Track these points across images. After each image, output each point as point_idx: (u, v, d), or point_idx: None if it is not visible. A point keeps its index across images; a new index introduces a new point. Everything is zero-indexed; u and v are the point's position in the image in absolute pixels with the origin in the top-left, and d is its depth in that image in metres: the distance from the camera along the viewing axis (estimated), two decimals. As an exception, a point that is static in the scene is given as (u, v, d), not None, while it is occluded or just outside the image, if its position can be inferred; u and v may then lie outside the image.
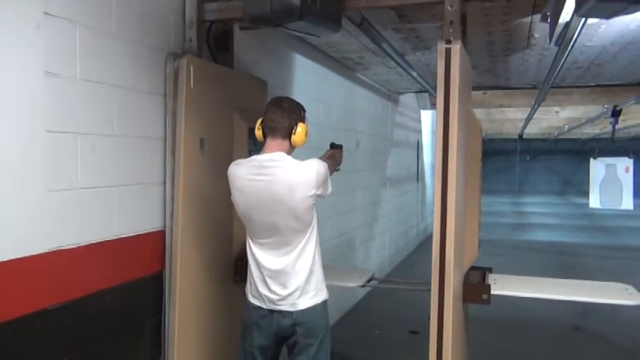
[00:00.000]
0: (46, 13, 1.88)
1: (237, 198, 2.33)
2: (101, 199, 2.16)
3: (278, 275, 2.29)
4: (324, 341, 2.35)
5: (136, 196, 2.35)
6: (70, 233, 2.00)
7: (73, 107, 2.01)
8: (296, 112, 2.30)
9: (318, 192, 2.24)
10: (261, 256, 2.32)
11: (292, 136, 2.27)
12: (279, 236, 2.27)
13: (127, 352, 2.34)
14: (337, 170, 2.69)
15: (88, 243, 2.08)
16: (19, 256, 1.79)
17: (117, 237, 2.24)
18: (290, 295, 2.28)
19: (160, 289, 2.51)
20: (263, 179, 2.22)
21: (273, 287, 2.29)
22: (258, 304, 2.34)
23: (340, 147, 2.75)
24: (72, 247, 2.01)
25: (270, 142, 2.28)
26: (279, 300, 2.29)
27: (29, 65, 1.83)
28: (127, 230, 2.30)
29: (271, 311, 2.32)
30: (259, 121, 2.34)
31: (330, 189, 2.34)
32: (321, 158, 2.47)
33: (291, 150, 2.31)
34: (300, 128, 2.28)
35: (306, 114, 2.36)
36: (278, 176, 2.21)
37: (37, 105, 1.86)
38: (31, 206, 1.85)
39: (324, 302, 2.36)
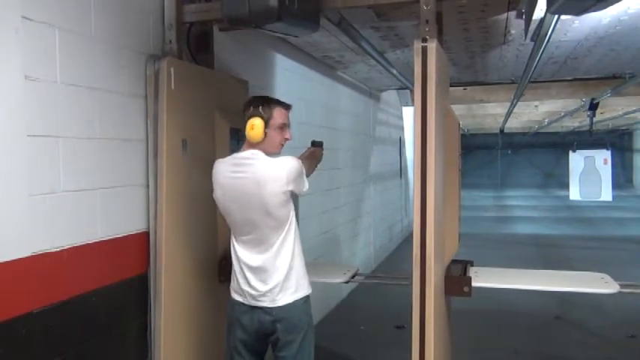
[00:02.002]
0: (24, 17, 1.88)
1: (219, 195, 2.38)
2: (84, 202, 2.16)
3: (258, 272, 2.34)
4: (306, 337, 2.37)
5: (119, 199, 2.36)
6: (54, 236, 2.01)
7: (54, 111, 2.02)
8: (247, 110, 2.33)
9: (290, 188, 2.27)
10: (242, 252, 2.37)
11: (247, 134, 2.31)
12: (257, 233, 2.32)
13: (113, 353, 2.35)
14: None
15: (71, 246, 2.09)
16: (2, 261, 1.79)
17: (101, 239, 2.25)
18: (269, 291, 2.32)
19: (145, 289, 2.52)
20: (239, 176, 2.29)
21: (254, 283, 2.34)
22: (241, 300, 2.39)
23: (321, 144, 2.77)
24: (55, 250, 2.01)
25: (246, 143, 2.37)
26: (259, 296, 2.33)
27: (8, 70, 1.83)
28: (111, 232, 2.31)
29: (252, 307, 2.36)
30: None
31: (306, 186, 2.37)
32: (300, 156, 2.52)
33: (261, 147, 2.31)
34: (248, 125, 2.29)
35: (265, 110, 2.31)
36: (251, 173, 2.27)
37: (17, 109, 1.86)
38: (14, 211, 1.85)
39: (306, 298, 2.40)
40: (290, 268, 2.34)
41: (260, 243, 2.33)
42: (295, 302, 2.34)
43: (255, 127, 2.28)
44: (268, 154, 2.32)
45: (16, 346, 1.86)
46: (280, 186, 2.25)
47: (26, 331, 1.90)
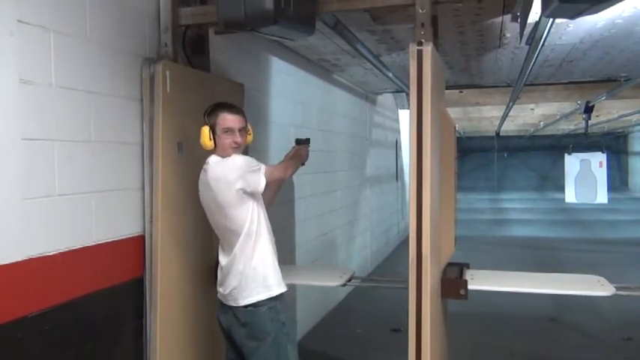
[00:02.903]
0: (19, 20, 1.88)
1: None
2: (79, 206, 2.16)
3: (223, 273, 2.48)
4: (274, 345, 2.37)
5: (114, 202, 2.36)
6: (49, 240, 2.00)
7: (49, 114, 2.01)
8: (204, 118, 2.44)
9: (238, 186, 2.32)
10: (219, 252, 2.52)
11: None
12: (221, 235, 2.48)
13: (108, 357, 2.34)
14: (302, 165, 2.73)
15: (66, 250, 2.08)
16: (-3, 265, 1.79)
17: (96, 243, 2.24)
18: (229, 293, 2.43)
19: (141, 293, 2.51)
20: (201, 181, 2.45)
21: (219, 283, 2.50)
22: (220, 298, 2.52)
23: (307, 141, 2.74)
24: (50, 254, 2.01)
25: None
26: (224, 296, 2.47)
27: (3, 73, 1.83)
28: (107, 236, 2.30)
29: (223, 305, 2.50)
30: None
31: (260, 183, 2.36)
32: (285, 157, 2.65)
33: (217, 153, 2.41)
34: (200, 133, 2.40)
35: (210, 117, 2.41)
36: (206, 177, 2.40)
37: (12, 113, 1.86)
38: (8, 214, 1.85)
39: (271, 304, 2.39)
40: (246, 273, 2.38)
41: (226, 245, 2.46)
42: (258, 306, 2.37)
43: (202, 135, 2.40)
44: (224, 158, 2.40)
45: (11, 350, 1.85)
46: (227, 185, 2.33)
47: (22, 335, 1.89)
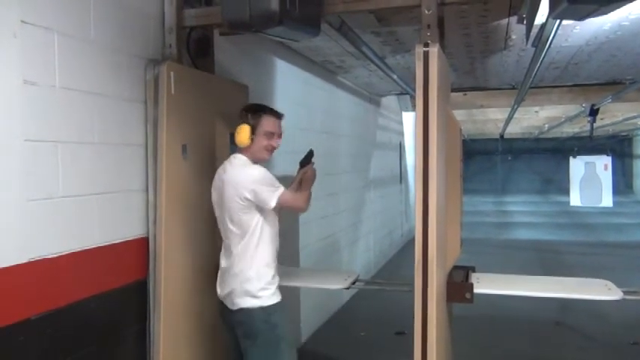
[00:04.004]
0: (23, 21, 1.87)
1: (212, 197, 2.54)
2: (82, 208, 2.14)
3: (222, 274, 2.51)
4: (267, 347, 2.39)
5: (117, 204, 2.34)
6: (51, 242, 1.99)
7: (53, 115, 2.00)
8: (241, 117, 2.48)
9: (247, 195, 2.35)
10: (221, 254, 2.54)
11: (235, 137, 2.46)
12: (226, 237, 2.48)
13: (111, 360, 2.33)
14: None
15: (69, 252, 2.07)
16: (-1, 267, 1.78)
17: (99, 245, 2.23)
18: (227, 295, 2.46)
19: (145, 296, 2.49)
20: (219, 178, 2.47)
21: (219, 285, 2.52)
22: (221, 299, 2.54)
23: (310, 157, 2.67)
24: (53, 256, 1.99)
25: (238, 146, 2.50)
26: (222, 297, 2.50)
27: (7, 74, 1.82)
28: (110, 238, 2.29)
29: (223, 305, 2.52)
30: None
31: (270, 202, 2.36)
32: (293, 181, 2.64)
33: (246, 152, 2.45)
34: (239, 129, 2.44)
35: (254, 117, 2.45)
36: (224, 176, 2.44)
37: (15, 114, 1.85)
38: (11, 216, 1.83)
39: (268, 308, 2.41)
40: (247, 277, 2.40)
41: (227, 247, 2.48)
42: (252, 309, 2.39)
43: (241, 132, 2.43)
44: (256, 159, 2.46)
45: (13, 353, 1.83)
46: (237, 191, 2.36)
47: (24, 338, 1.87)
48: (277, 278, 2.49)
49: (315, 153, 2.73)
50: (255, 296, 2.40)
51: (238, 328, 2.45)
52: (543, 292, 2.81)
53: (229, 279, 2.44)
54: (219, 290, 2.52)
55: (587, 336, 4.82)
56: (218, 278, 2.53)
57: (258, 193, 2.36)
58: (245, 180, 2.36)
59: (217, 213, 2.51)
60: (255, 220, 2.40)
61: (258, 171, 2.40)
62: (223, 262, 2.50)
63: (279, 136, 2.51)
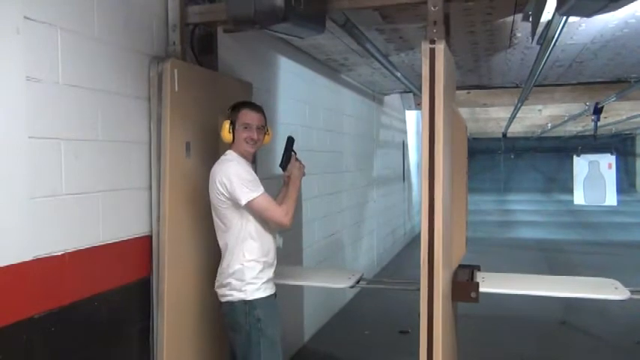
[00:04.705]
0: (26, 17, 1.85)
1: None
2: (86, 206, 2.13)
3: (218, 268, 2.55)
4: (248, 340, 2.43)
5: (121, 202, 2.33)
6: (55, 240, 1.98)
7: (56, 112, 1.98)
8: (226, 115, 2.56)
9: (221, 189, 2.41)
10: None
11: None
12: (215, 229, 2.54)
13: (115, 358, 2.31)
14: (303, 175, 2.65)
15: (73, 250, 2.06)
16: (2, 265, 1.76)
17: (103, 243, 2.21)
18: (217, 287, 2.52)
19: (148, 294, 2.48)
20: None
21: (216, 278, 2.56)
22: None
23: (290, 146, 2.60)
24: (57, 254, 1.98)
25: None
26: (215, 290, 2.54)
27: (10, 70, 1.80)
28: (113, 236, 2.28)
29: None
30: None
31: (241, 201, 2.38)
32: (279, 191, 2.64)
33: (236, 147, 2.51)
34: (222, 125, 2.53)
35: (232, 112, 2.53)
36: (211, 170, 2.50)
37: (18, 111, 1.83)
38: (14, 214, 1.82)
39: (250, 302, 2.43)
40: (232, 271, 2.45)
41: (220, 240, 2.54)
42: (234, 302, 2.45)
43: (222, 128, 2.52)
44: (240, 153, 2.51)
45: (16, 351, 1.82)
46: (215, 185, 2.43)
47: (27, 337, 1.86)
48: (268, 274, 2.50)
49: (295, 148, 2.62)
50: (238, 289, 2.44)
51: (224, 319, 2.53)
52: (550, 291, 2.79)
53: (219, 273, 2.52)
54: (215, 284, 2.57)
55: (593, 336, 4.80)
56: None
57: (229, 188, 2.40)
58: (221, 173, 2.42)
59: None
60: (238, 215, 2.44)
61: (235, 167, 2.43)
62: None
63: (259, 128, 2.52)
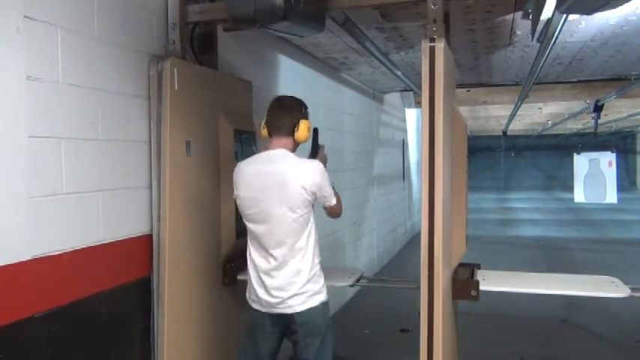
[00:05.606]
0: (26, 16, 1.85)
1: (243, 193, 2.33)
2: (86, 205, 2.13)
3: (268, 277, 2.30)
4: (328, 338, 2.38)
5: (121, 201, 2.33)
6: (55, 239, 1.98)
7: (56, 112, 1.99)
8: (297, 110, 2.39)
9: (313, 189, 2.27)
10: (255, 256, 2.34)
11: (295, 133, 2.35)
12: (275, 231, 2.28)
13: (115, 358, 2.31)
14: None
15: (73, 249, 2.06)
16: (2, 264, 1.76)
17: (103, 242, 2.21)
18: (283, 300, 2.28)
19: (148, 293, 2.48)
20: (269, 172, 2.28)
21: (266, 291, 2.31)
22: (257, 307, 2.36)
23: (316, 137, 2.58)
24: (57, 253, 1.98)
25: (276, 140, 2.35)
26: (271, 304, 2.30)
27: (10, 70, 1.81)
28: (113, 235, 2.28)
29: (263, 311, 2.35)
30: (264, 121, 2.40)
31: (332, 201, 2.37)
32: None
33: (294, 146, 2.39)
34: (302, 124, 2.36)
35: (308, 110, 2.44)
36: (282, 170, 2.27)
37: (18, 110, 1.83)
38: (14, 213, 1.82)
39: (324, 303, 2.36)
40: (309, 277, 2.30)
41: (278, 244, 2.28)
42: (316, 307, 2.31)
43: (305, 128, 2.37)
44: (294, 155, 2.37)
45: (16, 351, 1.82)
46: (298, 191, 2.24)
47: (27, 336, 1.87)
48: None
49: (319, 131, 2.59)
50: (318, 292, 2.32)
51: (298, 328, 2.31)
52: (550, 289, 2.78)
53: (286, 283, 2.27)
54: (266, 297, 2.30)
55: (593, 334, 4.80)
56: (255, 286, 2.33)
57: (322, 191, 2.31)
58: (313, 173, 2.28)
59: (252, 210, 2.31)
60: (312, 218, 2.33)
61: (322, 168, 2.33)
62: (264, 264, 2.31)
63: None
